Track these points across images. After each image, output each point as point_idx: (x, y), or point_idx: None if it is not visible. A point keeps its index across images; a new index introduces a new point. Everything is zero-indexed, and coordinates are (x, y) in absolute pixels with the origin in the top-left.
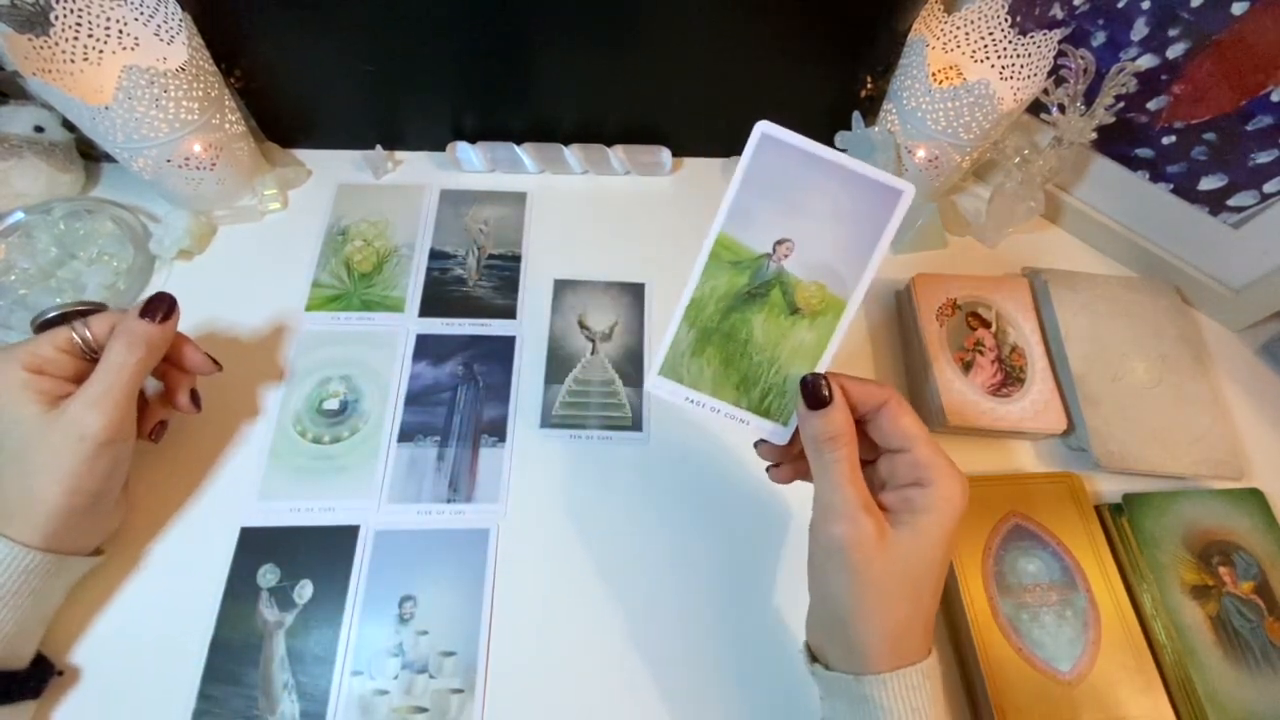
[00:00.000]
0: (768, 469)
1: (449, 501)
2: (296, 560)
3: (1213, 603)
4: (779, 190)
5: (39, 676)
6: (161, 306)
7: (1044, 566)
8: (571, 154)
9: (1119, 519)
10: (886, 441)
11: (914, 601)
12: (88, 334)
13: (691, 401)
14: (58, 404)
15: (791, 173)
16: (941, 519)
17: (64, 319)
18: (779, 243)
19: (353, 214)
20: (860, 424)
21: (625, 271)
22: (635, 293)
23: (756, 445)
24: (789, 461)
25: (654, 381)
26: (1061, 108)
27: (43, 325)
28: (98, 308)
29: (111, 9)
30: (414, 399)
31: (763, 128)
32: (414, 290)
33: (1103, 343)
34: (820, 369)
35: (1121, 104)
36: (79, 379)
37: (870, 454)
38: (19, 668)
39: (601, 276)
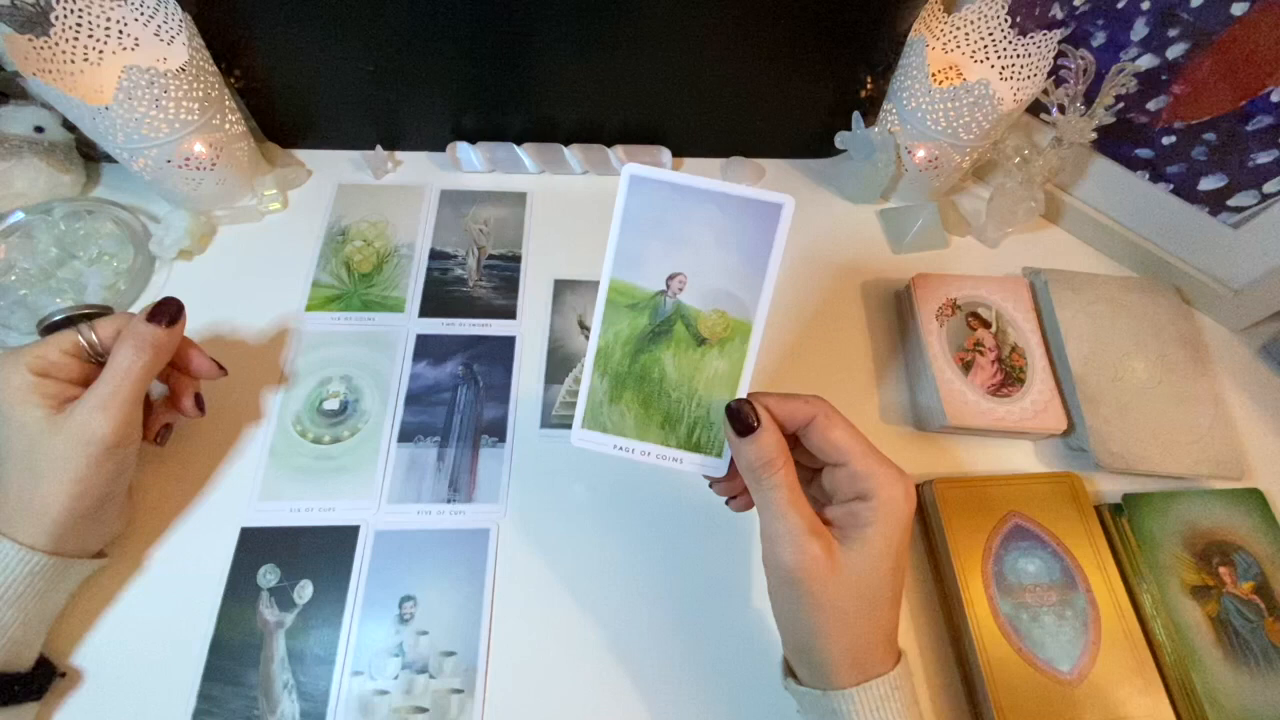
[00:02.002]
0: (726, 501)
1: (449, 502)
2: (296, 560)
3: (1213, 603)
4: (660, 227)
5: (41, 678)
6: (168, 311)
7: (1044, 567)
8: (571, 154)
9: (1119, 519)
10: (822, 456)
11: (871, 617)
12: (94, 337)
13: (620, 449)
14: (63, 408)
15: (668, 207)
16: (888, 530)
17: (70, 322)
18: (671, 278)
19: (353, 214)
20: (797, 438)
21: None
22: None
23: (710, 485)
24: (742, 492)
25: (578, 436)
26: (1061, 108)
27: (49, 328)
28: (103, 310)
29: (111, 9)
30: (414, 399)
31: (629, 169)
32: (414, 290)
33: (1103, 343)
34: (740, 394)
35: (1121, 104)
36: (85, 382)
37: (814, 463)
38: (22, 670)
39: None
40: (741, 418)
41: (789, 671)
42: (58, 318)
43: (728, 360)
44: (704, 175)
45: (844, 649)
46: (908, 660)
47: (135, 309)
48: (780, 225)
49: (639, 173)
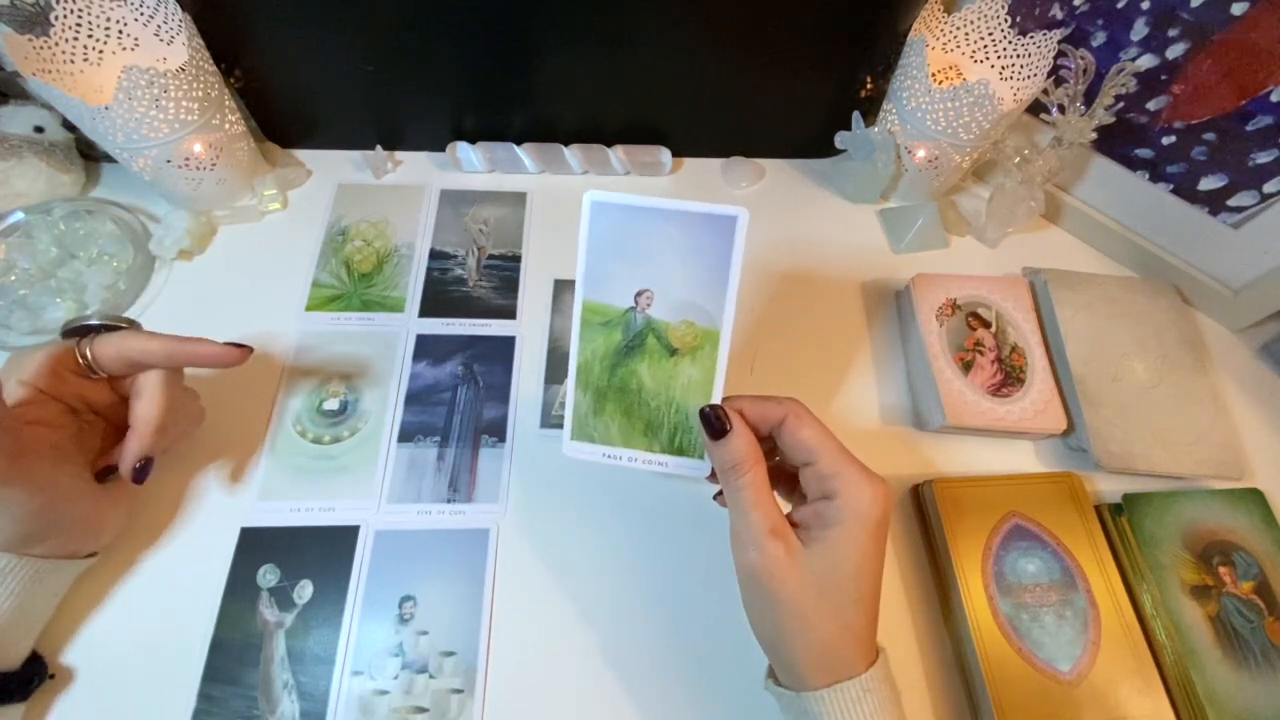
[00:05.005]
0: (714, 496)
1: (449, 501)
2: (296, 560)
3: (1213, 603)
4: (624, 247)
5: (25, 678)
6: None
7: (1044, 566)
8: (571, 154)
9: (1119, 519)
10: (793, 455)
11: (836, 618)
12: (88, 353)
13: (609, 457)
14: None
15: (630, 228)
16: (850, 530)
17: (90, 330)
18: (639, 294)
19: (353, 214)
20: (774, 440)
21: None
22: None
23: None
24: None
25: (569, 447)
26: (1061, 108)
27: (70, 332)
28: (131, 323)
29: (111, 9)
30: (414, 399)
31: (590, 196)
32: (414, 290)
33: (1103, 343)
34: (715, 399)
35: (1121, 104)
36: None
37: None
38: (7, 669)
39: None
40: (713, 422)
41: (771, 672)
42: (93, 322)
43: (700, 367)
44: (704, 175)
45: (807, 649)
46: (887, 662)
47: (135, 309)
48: (737, 236)
49: (599, 198)
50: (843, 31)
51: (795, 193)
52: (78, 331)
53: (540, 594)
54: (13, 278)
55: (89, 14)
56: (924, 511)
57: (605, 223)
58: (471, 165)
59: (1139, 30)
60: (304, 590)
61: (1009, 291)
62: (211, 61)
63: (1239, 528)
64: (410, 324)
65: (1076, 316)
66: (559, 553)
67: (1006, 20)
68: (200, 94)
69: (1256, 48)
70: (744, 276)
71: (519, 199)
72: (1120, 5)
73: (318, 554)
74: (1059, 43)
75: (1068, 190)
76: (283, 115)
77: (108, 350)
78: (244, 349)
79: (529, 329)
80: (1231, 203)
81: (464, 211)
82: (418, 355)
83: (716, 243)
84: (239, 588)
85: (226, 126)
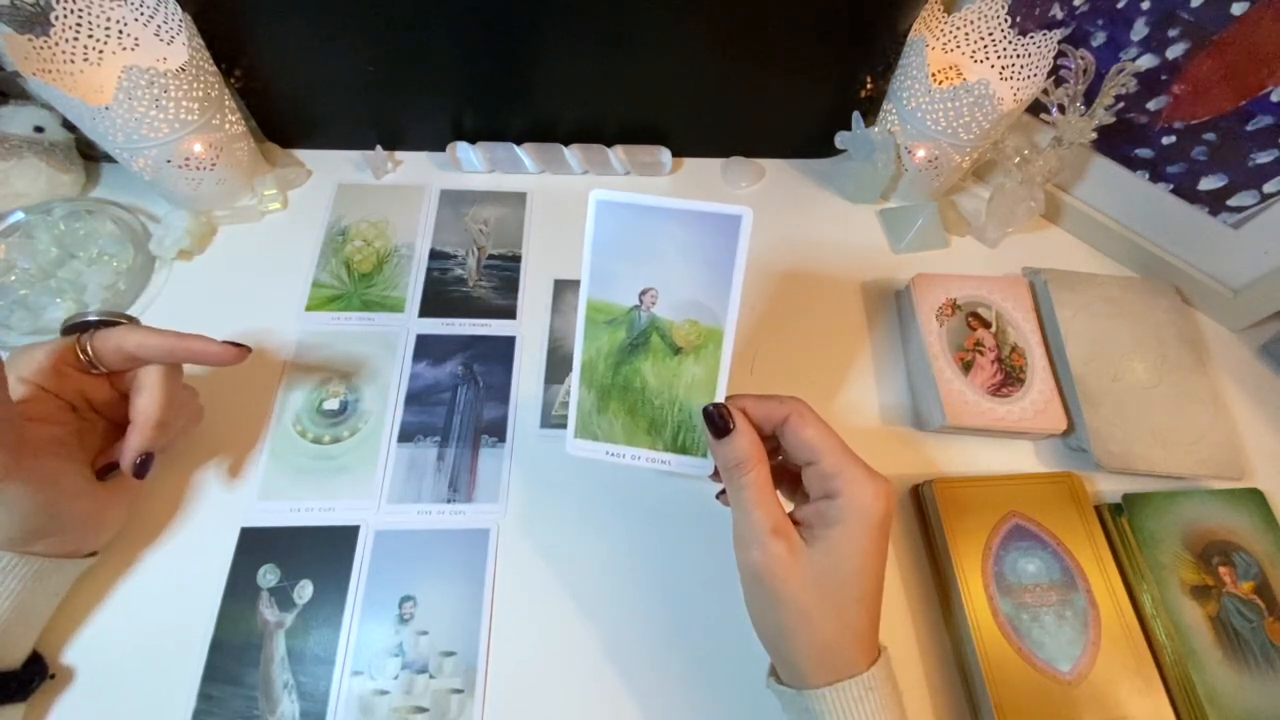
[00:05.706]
0: (717, 495)
1: (449, 502)
2: (296, 560)
3: (1213, 603)
4: (629, 246)
5: (25, 678)
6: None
7: (1044, 567)
8: (571, 154)
9: (1119, 519)
10: (796, 455)
11: (839, 617)
12: (89, 348)
13: (612, 455)
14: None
15: (635, 227)
16: (852, 529)
17: (86, 326)
18: (643, 293)
19: (353, 214)
20: (777, 439)
21: None
22: None
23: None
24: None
25: (573, 445)
26: (1061, 108)
27: (69, 329)
28: (130, 319)
29: (111, 9)
30: (414, 399)
31: (596, 195)
32: (414, 290)
33: (1103, 343)
34: (718, 398)
35: (1121, 104)
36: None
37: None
38: (8, 669)
39: None
40: (716, 420)
41: (772, 670)
42: (91, 318)
43: (703, 366)
44: (704, 175)
45: (808, 647)
46: (889, 661)
47: (135, 309)
48: (740, 235)
49: (604, 197)
50: (843, 31)
51: (795, 193)
52: (77, 328)
53: (540, 594)
54: (13, 278)
55: (89, 14)
56: (924, 511)
57: (611, 222)
58: (471, 165)
59: (1139, 30)
60: (304, 590)
61: (1009, 291)
62: (211, 61)
63: (1239, 528)
64: (410, 324)
65: (1076, 316)
66: (559, 553)
67: (1006, 20)
68: (200, 94)
69: (1256, 48)
70: (746, 276)
71: (519, 199)
72: (1120, 5)
73: (318, 554)
74: (1059, 43)
75: (1068, 190)
76: (283, 115)
77: (107, 345)
78: (242, 348)
79: (529, 329)
80: (1231, 203)
81: (464, 211)
82: (418, 355)
83: (721, 242)
84: (239, 588)
85: (226, 126)
